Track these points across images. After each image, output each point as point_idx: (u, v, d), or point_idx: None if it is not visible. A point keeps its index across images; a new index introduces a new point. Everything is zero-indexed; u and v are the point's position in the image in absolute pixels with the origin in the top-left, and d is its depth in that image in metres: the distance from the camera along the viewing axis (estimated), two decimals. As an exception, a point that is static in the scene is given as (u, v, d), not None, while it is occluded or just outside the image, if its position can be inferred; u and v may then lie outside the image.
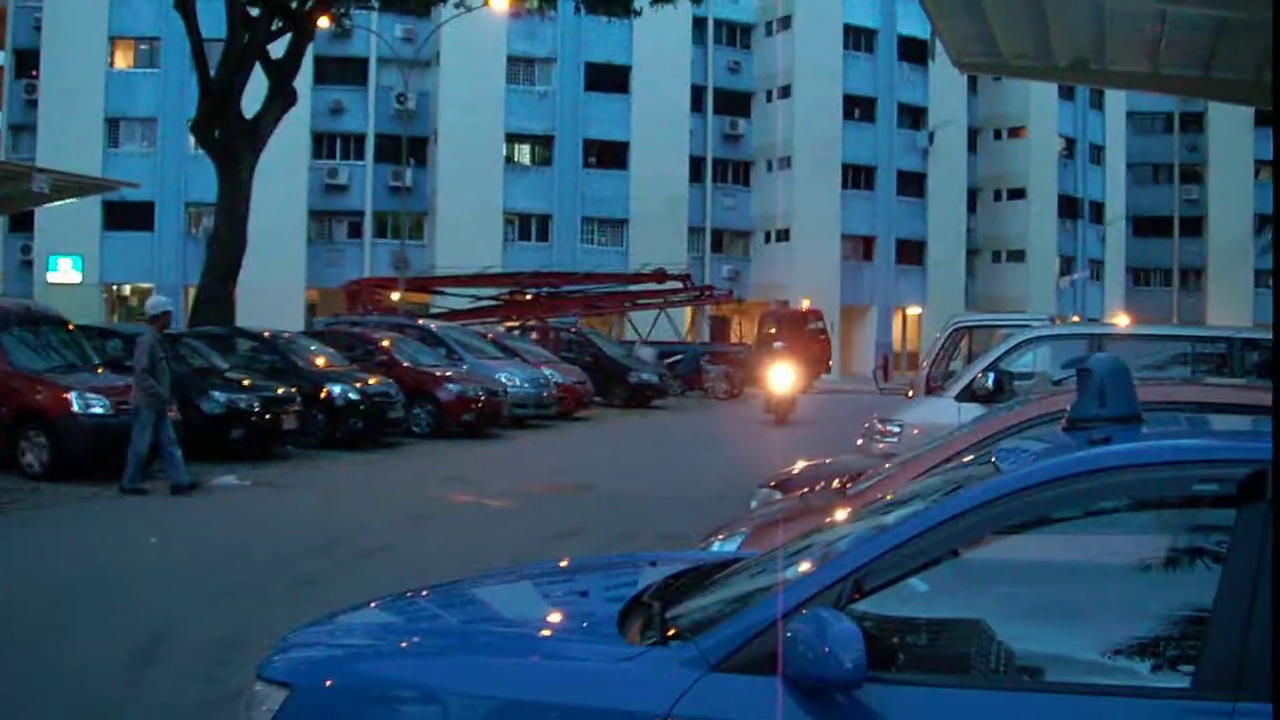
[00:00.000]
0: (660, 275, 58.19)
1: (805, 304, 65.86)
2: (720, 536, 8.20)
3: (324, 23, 39.81)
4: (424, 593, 5.48)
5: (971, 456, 5.41)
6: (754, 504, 10.39)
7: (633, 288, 60.41)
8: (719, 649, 3.84)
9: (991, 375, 14.10)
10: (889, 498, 5.20)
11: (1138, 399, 4.60)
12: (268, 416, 22.46)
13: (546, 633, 4.71)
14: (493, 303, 58.44)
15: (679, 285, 58.70)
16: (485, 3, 41.76)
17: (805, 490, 8.81)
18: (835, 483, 8.74)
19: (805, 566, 4.24)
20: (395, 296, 54.15)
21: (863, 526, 4.48)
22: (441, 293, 59.27)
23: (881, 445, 14.52)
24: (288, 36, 34.60)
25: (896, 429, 14.75)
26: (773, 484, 10.78)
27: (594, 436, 31.21)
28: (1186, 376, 13.45)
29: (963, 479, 4.44)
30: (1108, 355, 4.75)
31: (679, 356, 50.44)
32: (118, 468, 18.78)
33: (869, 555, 3.93)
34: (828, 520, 6.94)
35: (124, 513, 16.60)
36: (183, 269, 64.21)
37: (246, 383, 23.03)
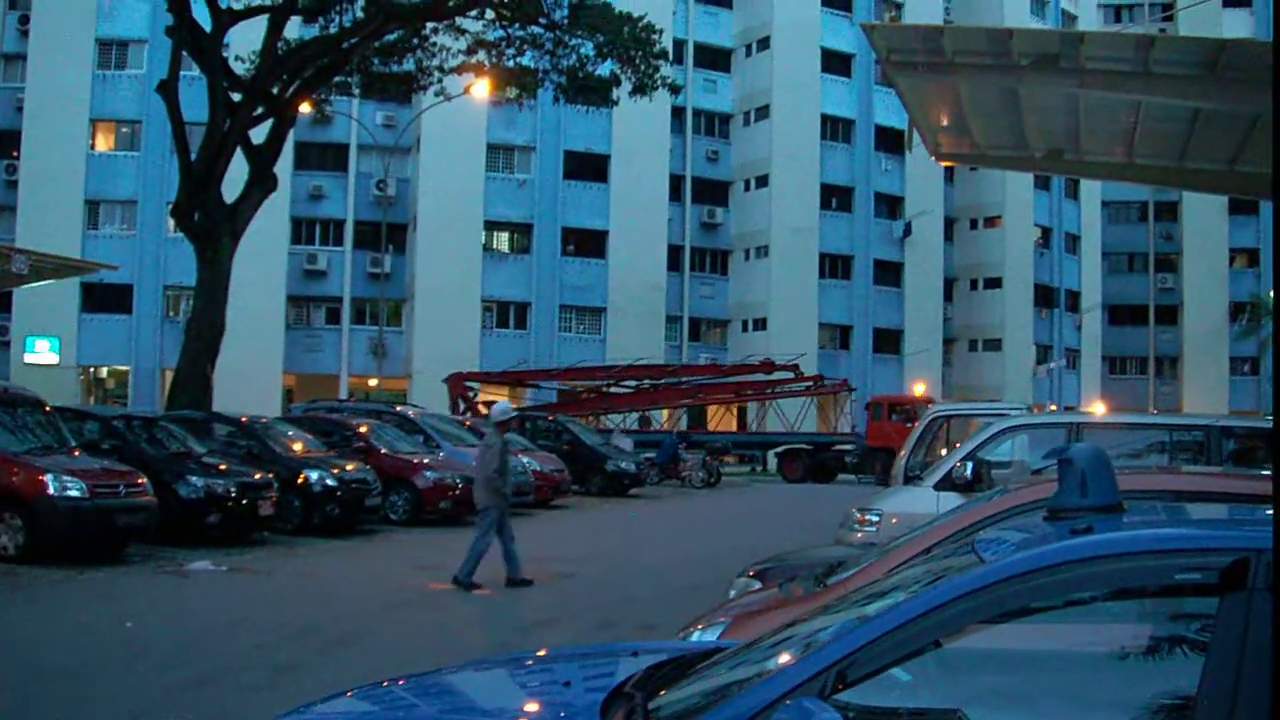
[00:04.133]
0: (769, 365, 58.82)
1: (919, 391, 66.41)
2: (700, 626, 8.15)
3: (305, 109, 40.04)
4: (401, 681, 5.46)
5: (951, 546, 5.40)
6: (732, 593, 10.37)
7: (737, 378, 60.97)
8: (704, 738, 3.83)
9: (970, 464, 14.08)
10: (871, 588, 5.19)
11: (1118, 488, 4.61)
12: (244, 502, 22.42)
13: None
14: (590, 395, 59.53)
15: (789, 375, 59.26)
16: (465, 90, 41.99)
17: (784, 581, 8.77)
18: (814, 573, 8.70)
19: (788, 657, 4.24)
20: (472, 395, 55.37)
21: (845, 616, 4.48)
22: (537, 386, 60.01)
23: (859, 535, 14.49)
24: (269, 122, 34.78)
25: (875, 518, 14.73)
26: (751, 573, 10.76)
27: (571, 525, 31.12)
28: (1163, 465, 13.47)
29: (944, 569, 4.45)
30: (1088, 445, 4.76)
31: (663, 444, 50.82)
32: (94, 551, 18.76)
33: (853, 645, 3.93)
34: (809, 610, 6.95)
35: (100, 596, 16.47)
36: (160, 352, 64.22)
37: (223, 468, 23.00)
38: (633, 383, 60.95)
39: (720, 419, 66.31)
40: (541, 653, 6.43)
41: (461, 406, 54.63)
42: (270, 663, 12.19)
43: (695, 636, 7.73)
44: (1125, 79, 22.43)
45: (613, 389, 60.67)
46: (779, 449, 58.92)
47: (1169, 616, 4.08)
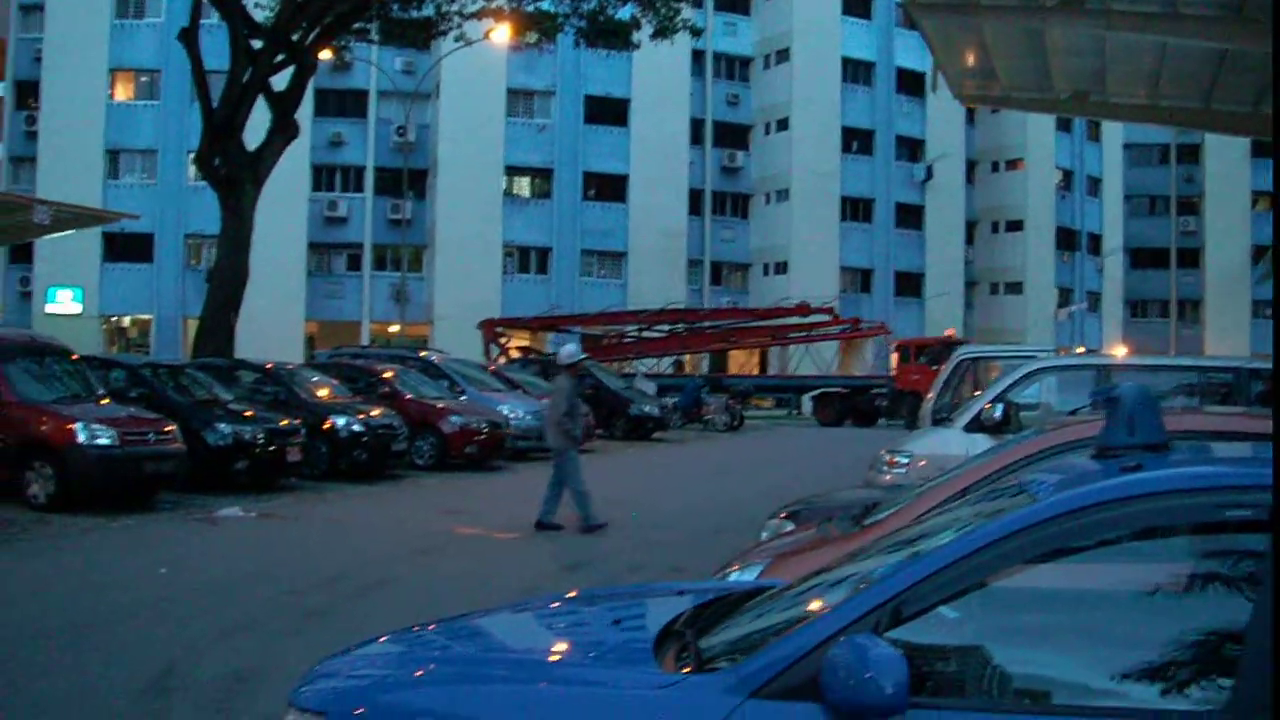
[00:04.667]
0: (804, 309, 58.70)
1: (949, 333, 66.36)
2: (736, 567, 8.18)
3: (325, 55, 39.91)
4: (451, 622, 5.48)
5: (998, 485, 5.39)
6: (765, 535, 10.38)
7: (770, 322, 60.95)
8: (758, 675, 3.84)
9: (999, 406, 14.08)
10: (919, 526, 5.20)
11: (1165, 427, 4.61)
12: (272, 448, 22.47)
13: (581, 661, 4.70)
14: (627, 339, 59.46)
15: (825, 319, 59.20)
16: (486, 36, 41.81)
17: (821, 521, 8.78)
18: (850, 514, 8.72)
19: (840, 594, 4.25)
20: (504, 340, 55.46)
21: (896, 554, 4.49)
22: (569, 331, 60.11)
23: (889, 476, 14.51)
24: (290, 69, 34.69)
25: (904, 460, 14.74)
26: (783, 515, 10.77)
27: (597, 469, 30.92)
28: (1192, 406, 13.44)
29: (995, 506, 4.46)
30: (1135, 384, 4.76)
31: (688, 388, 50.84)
32: (124, 499, 18.87)
33: (906, 582, 3.94)
34: (852, 549, 6.96)
35: (132, 544, 16.55)
36: (182, 300, 64.40)
37: (250, 414, 23.02)
38: (664, 327, 60.98)
39: (742, 364, 66.38)
40: (574, 594, 6.43)
41: (494, 352, 54.71)
42: (302, 608, 12.23)
43: (733, 577, 7.75)
44: (1152, 20, 22.30)
45: (645, 334, 60.68)
46: (814, 392, 58.65)
47: (1219, 553, 4.08)
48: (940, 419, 17.24)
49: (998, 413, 14.02)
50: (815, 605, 4.34)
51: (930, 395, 19.32)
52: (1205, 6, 21.65)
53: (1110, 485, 4.08)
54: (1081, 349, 68.29)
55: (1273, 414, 4.48)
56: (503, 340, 57.32)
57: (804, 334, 61.03)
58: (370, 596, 13.03)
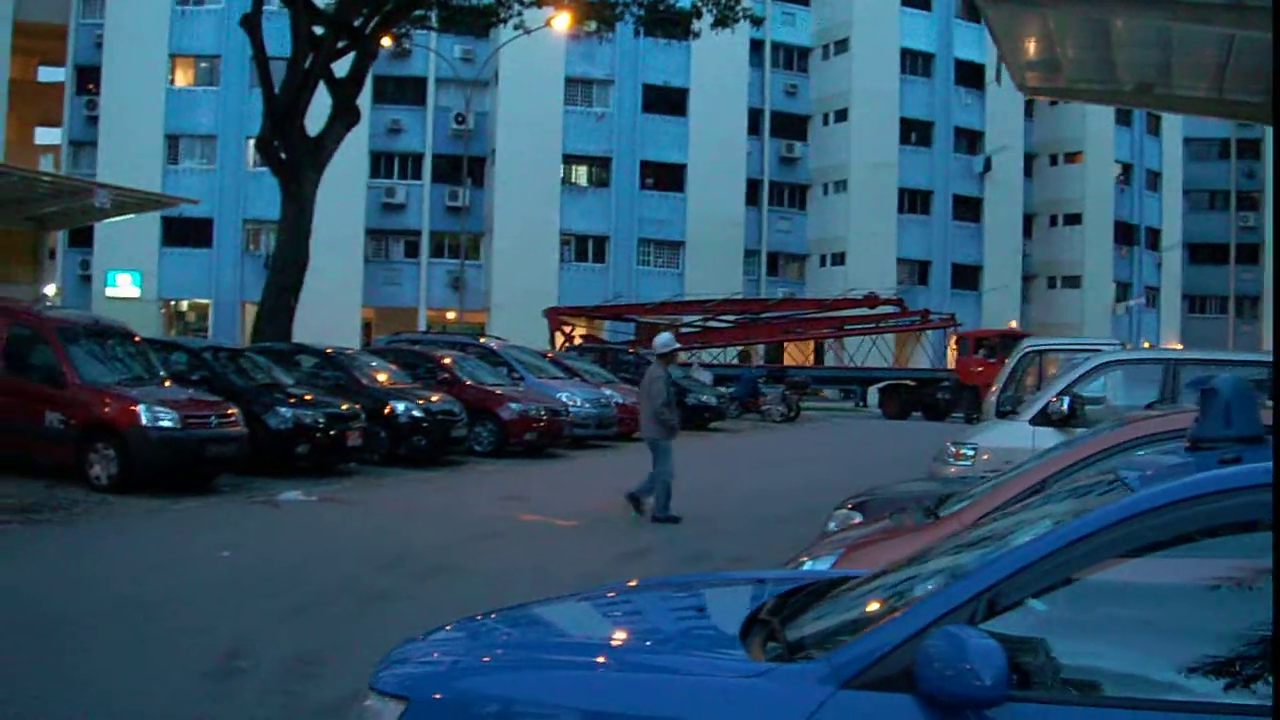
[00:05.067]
0: (873, 300, 58.48)
1: (1011, 325, 66.08)
2: (806, 558, 8.14)
3: (385, 43, 39.98)
4: (527, 608, 5.46)
5: (1091, 476, 5.31)
6: (832, 525, 10.34)
7: (837, 313, 60.65)
8: (851, 665, 3.80)
9: (1066, 400, 13.98)
10: (1010, 517, 5.13)
11: (1261, 420, 4.54)
12: (332, 433, 22.48)
13: (668, 648, 4.67)
14: (689, 329, 59.40)
15: (893, 309, 59.00)
16: (547, 23, 41.80)
17: (894, 512, 8.73)
18: (922, 505, 8.66)
19: (929, 586, 4.21)
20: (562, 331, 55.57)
21: (987, 546, 4.44)
22: (633, 320, 60.16)
23: (954, 469, 14.44)
24: (351, 55, 34.76)
25: (970, 452, 14.67)
26: (850, 505, 10.71)
27: (654, 457, 31.10)
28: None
29: (1087, 499, 4.39)
30: (1232, 376, 4.69)
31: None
32: (185, 481, 18.97)
33: (1001, 574, 3.89)
34: (930, 540, 6.90)
35: (194, 526, 16.61)
36: (240, 285, 64.83)
37: (310, 399, 23.06)
38: (729, 318, 60.91)
39: (796, 355, 66.17)
40: (651, 581, 6.39)
41: (560, 340, 54.79)
42: (366, 592, 12.25)
43: (806, 567, 7.69)
44: (1219, 11, 22.07)
45: (709, 323, 60.60)
46: (880, 384, 58.27)
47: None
48: (1004, 412, 17.12)
49: (1065, 406, 13.92)
50: (905, 596, 4.29)
51: (994, 388, 19.19)
52: (1274, -3, 21.39)
53: (1210, 477, 4.01)
54: (1147, 344, 67.89)
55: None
56: (568, 328, 57.38)
57: (872, 325, 60.66)
58: (433, 581, 13.03)
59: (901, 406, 54.62)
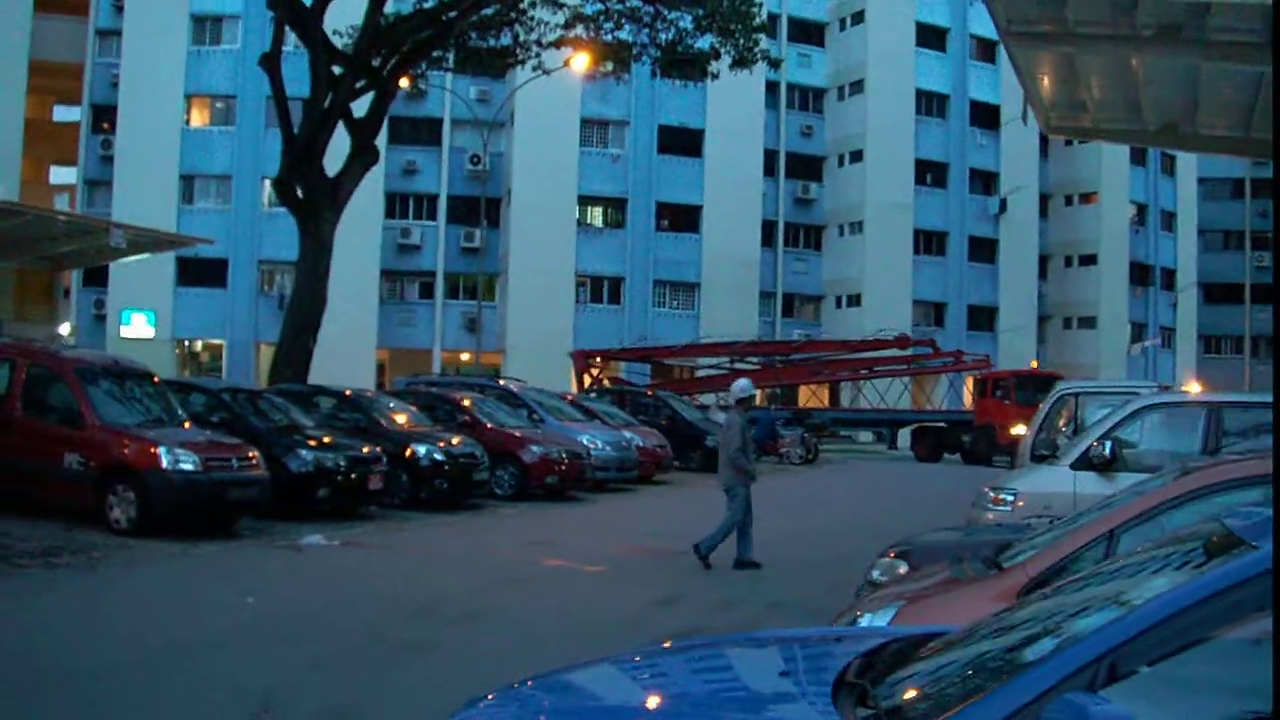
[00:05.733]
0: (904, 341, 58.20)
1: (1033, 365, 65.84)
2: (860, 612, 7.85)
3: (403, 83, 39.91)
4: (599, 667, 5.19)
5: (1189, 528, 5.06)
6: (876, 574, 10.08)
7: (867, 354, 60.45)
8: (966, 735, 3.55)
9: (1108, 444, 13.72)
10: (1102, 570, 4.88)
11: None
12: (354, 476, 22.22)
13: (758, 714, 4.40)
14: (715, 371, 59.20)
15: (928, 351, 58.71)
16: (565, 64, 41.71)
17: (954, 562, 8.44)
18: (981, 554, 8.39)
19: (1040, 647, 3.95)
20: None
21: (1093, 603, 4.20)
22: (659, 363, 60.24)
23: (992, 515, 14.18)
24: (369, 95, 34.69)
25: (1009, 497, 14.39)
26: (893, 554, 10.44)
27: (678, 501, 30.82)
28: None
29: (1197, 552, 4.15)
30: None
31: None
32: (206, 525, 18.74)
33: (1122, 636, 3.64)
34: (1002, 591, 6.65)
35: (216, 571, 16.38)
36: (254, 326, 64.79)
37: (331, 441, 22.81)
38: (755, 359, 60.72)
39: (809, 397, 65.86)
40: (690, 639, 6.13)
41: (588, 382, 54.60)
42: (396, 639, 11.98)
43: (865, 621, 7.43)
44: (1250, 50, 21.87)
45: (736, 365, 60.36)
46: (912, 426, 57.62)
47: None
48: (1040, 455, 16.86)
49: (1107, 451, 13.66)
50: (1009, 658, 4.03)
51: (1029, 432, 18.94)
52: (1307, 36, 21.22)
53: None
54: (1192, 386, 67.54)
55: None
56: (595, 370, 57.23)
57: (903, 367, 60.34)
58: (462, 629, 12.79)
59: (932, 449, 53.93)
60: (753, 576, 17.38)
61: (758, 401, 60.44)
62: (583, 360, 57.64)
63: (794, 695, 4.57)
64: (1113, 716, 3.29)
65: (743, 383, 20.47)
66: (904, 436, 58.91)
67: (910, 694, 4.09)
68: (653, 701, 4.73)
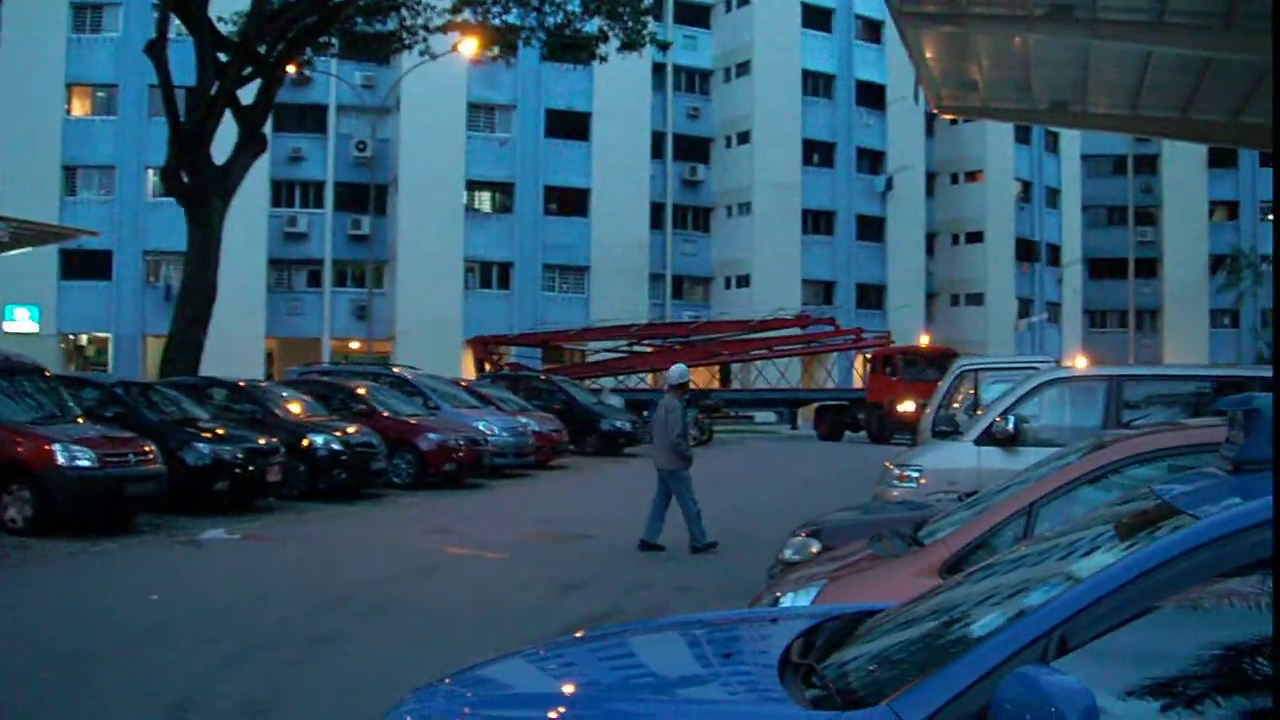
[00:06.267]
0: (804, 319, 58.08)
1: (923, 341, 65.97)
2: (781, 591, 7.87)
3: (290, 69, 39.53)
4: (535, 654, 5.16)
5: (1128, 501, 5.10)
6: (788, 554, 10.08)
7: (768, 334, 60.29)
8: (918, 711, 3.55)
9: (1011, 419, 13.85)
10: (1041, 544, 4.91)
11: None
12: (251, 468, 21.98)
13: (706, 698, 4.38)
14: (612, 354, 59.15)
15: (828, 329, 58.69)
16: (453, 49, 41.48)
17: (874, 539, 8.47)
18: (899, 531, 8.43)
19: (988, 621, 3.97)
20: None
21: (1039, 576, 4.23)
22: (558, 347, 59.73)
23: (897, 492, 14.28)
24: (256, 82, 34.30)
25: (914, 474, 14.50)
26: (805, 533, 10.46)
27: (577, 485, 30.84)
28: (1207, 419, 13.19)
29: (1140, 525, 4.18)
30: (1270, 396, 4.49)
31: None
32: (103, 522, 18.49)
33: (1072, 608, 3.66)
34: (925, 567, 6.69)
35: (117, 569, 16.19)
36: (141, 318, 63.91)
37: (227, 433, 22.57)
38: (657, 341, 60.76)
39: (706, 378, 65.98)
40: (618, 625, 6.10)
41: (488, 369, 54.43)
42: (308, 633, 11.89)
43: (787, 600, 7.44)
44: (1139, 29, 22.21)
45: (635, 347, 60.38)
46: (815, 405, 57.38)
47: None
48: (941, 432, 17.01)
49: (1010, 426, 13.80)
50: (957, 634, 4.05)
51: (929, 408, 19.12)
52: (1194, 15, 21.53)
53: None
54: (1078, 360, 68.34)
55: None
56: (496, 357, 57.06)
57: (803, 346, 60.45)
58: (377, 620, 12.71)
59: (833, 427, 53.93)
60: (658, 560, 17.42)
61: (649, 384, 60.67)
62: (482, 347, 57.47)
63: (739, 676, 4.56)
64: (1066, 687, 3.29)
65: (679, 368, 20.56)
66: (806, 416, 58.96)
67: (860, 672, 4.09)
68: (590, 689, 4.70)
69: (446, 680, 4.77)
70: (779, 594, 7.83)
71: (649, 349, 61.04)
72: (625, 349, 60.77)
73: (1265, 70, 25.71)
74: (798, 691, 3.99)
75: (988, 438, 13.96)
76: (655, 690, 4.62)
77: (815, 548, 9.85)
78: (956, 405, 20.03)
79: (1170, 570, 3.68)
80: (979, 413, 16.67)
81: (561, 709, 4.29)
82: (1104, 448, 7.89)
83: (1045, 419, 14.73)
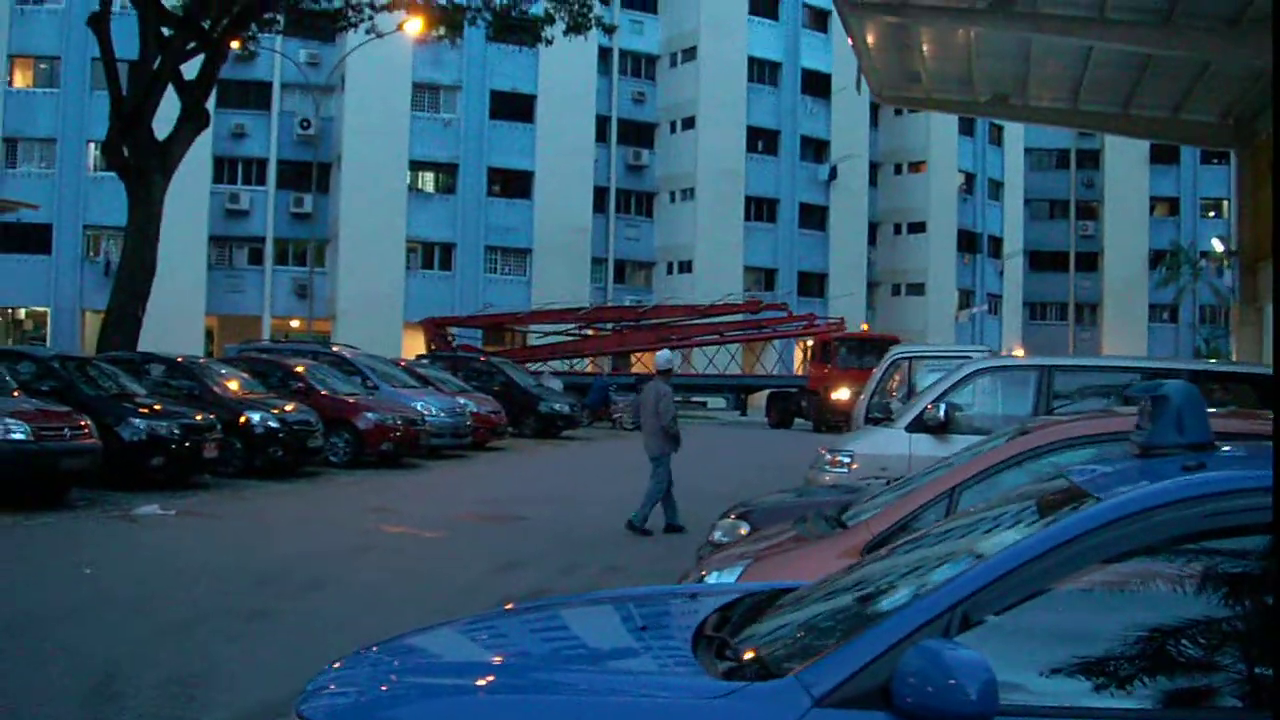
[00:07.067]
0: (754, 304, 57.87)
1: (864, 328, 66.08)
2: (708, 570, 7.98)
3: (234, 45, 39.31)
4: (459, 626, 5.24)
5: (1038, 483, 5.22)
6: (717, 535, 10.20)
7: (720, 319, 60.25)
8: (824, 682, 3.65)
9: (943, 406, 14.00)
10: (954, 523, 5.03)
11: (1211, 427, 4.49)
12: (188, 444, 21.91)
13: (621, 669, 4.47)
14: (566, 338, 58.93)
15: (782, 315, 58.54)
16: (399, 28, 41.37)
17: (798, 520, 8.59)
18: (824, 513, 8.55)
19: (897, 597, 4.09)
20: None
21: (948, 554, 4.35)
22: (513, 330, 60.18)
23: (829, 476, 14.41)
24: (200, 57, 34.12)
25: (845, 459, 14.64)
26: (734, 515, 10.59)
27: (514, 467, 30.92)
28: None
29: (1046, 506, 4.31)
30: (1181, 382, 4.62)
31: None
32: (37, 496, 18.41)
33: (975, 584, 3.78)
34: (847, 548, 6.81)
35: (51, 543, 16.11)
36: (80, 293, 63.54)
37: (164, 409, 22.48)
38: (608, 324, 60.78)
39: (646, 363, 66.03)
40: (543, 599, 6.19)
41: (434, 349, 54.38)
42: (240, 609, 11.89)
43: (712, 578, 7.55)
44: (1080, 24, 22.49)
45: (586, 331, 60.39)
46: (768, 392, 56.79)
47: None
48: (874, 419, 17.18)
49: (941, 413, 13.94)
50: (867, 609, 4.16)
51: (863, 395, 19.28)
52: (1135, 11, 21.80)
53: (1184, 483, 3.95)
54: (1019, 349, 68.76)
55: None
56: (450, 339, 57.05)
57: (754, 331, 60.37)
58: (308, 597, 12.73)
59: (783, 415, 53.55)
60: (592, 542, 17.46)
61: (589, 368, 60.78)
62: (434, 329, 57.39)
63: (654, 649, 4.65)
64: (967, 660, 3.41)
65: (665, 354, 20.95)
66: (754, 403, 58.90)
67: (770, 644, 4.19)
68: (514, 658, 4.79)
69: (374, 648, 4.85)
70: (704, 572, 7.95)
71: (591, 333, 61.11)
72: (574, 333, 60.82)
73: (1204, 68, 26.10)
74: (710, 663, 4.09)
75: (919, 424, 14.10)
76: (573, 660, 4.71)
77: (744, 529, 9.95)
78: (894, 393, 20.23)
79: (1070, 550, 3.80)
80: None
81: (481, 678, 4.37)
82: (1027, 434, 8.05)
83: (977, 407, 14.91)
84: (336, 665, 4.70)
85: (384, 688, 4.42)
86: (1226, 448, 4.69)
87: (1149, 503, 3.88)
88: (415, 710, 4.13)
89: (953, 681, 3.38)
